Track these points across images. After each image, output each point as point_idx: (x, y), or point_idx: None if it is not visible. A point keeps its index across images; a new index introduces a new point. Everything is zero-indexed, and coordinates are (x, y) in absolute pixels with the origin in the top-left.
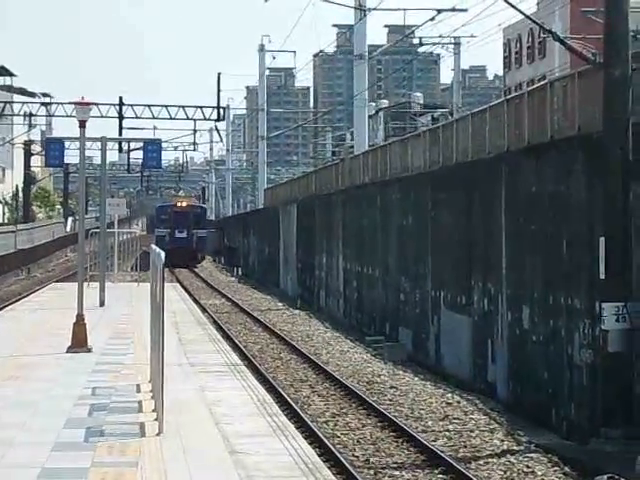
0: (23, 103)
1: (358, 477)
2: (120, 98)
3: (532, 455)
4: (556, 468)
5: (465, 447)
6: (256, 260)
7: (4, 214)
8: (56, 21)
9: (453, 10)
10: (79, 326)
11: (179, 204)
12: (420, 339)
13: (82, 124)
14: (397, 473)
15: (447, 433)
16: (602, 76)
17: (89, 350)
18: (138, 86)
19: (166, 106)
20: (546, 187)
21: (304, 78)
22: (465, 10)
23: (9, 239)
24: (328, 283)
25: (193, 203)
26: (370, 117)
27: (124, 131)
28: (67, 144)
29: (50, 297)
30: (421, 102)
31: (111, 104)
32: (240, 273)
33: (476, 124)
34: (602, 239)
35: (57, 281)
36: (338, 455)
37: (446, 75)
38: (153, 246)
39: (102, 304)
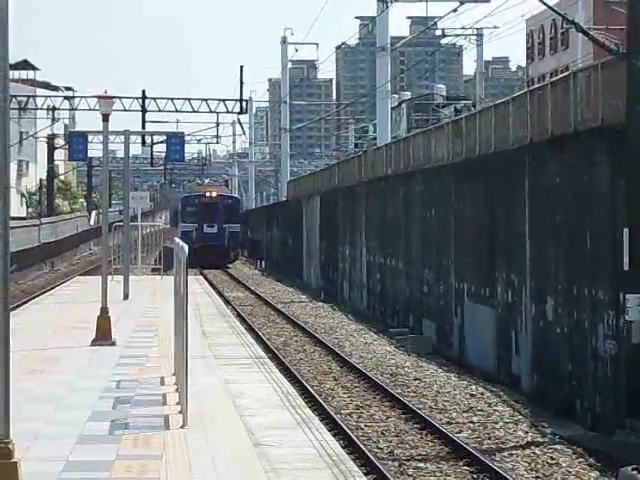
0: (46, 97)
1: (382, 469)
2: (143, 92)
3: (556, 447)
4: (581, 459)
5: (489, 439)
6: (279, 253)
7: (28, 207)
8: (79, 14)
9: (476, 1)
10: (103, 319)
11: (208, 194)
12: (444, 331)
13: (105, 118)
14: (421, 465)
15: (471, 425)
16: (625, 67)
17: (113, 343)
18: (161, 80)
19: (189, 99)
20: (569, 178)
21: (326, 70)
22: (488, 1)
23: (33, 233)
24: (351, 275)
25: (224, 193)
26: (393, 109)
27: (147, 124)
28: (90, 138)
29: (74, 290)
30: (444, 94)
31: (134, 97)
32: (263, 266)
33: (499, 115)
34: (626, 230)
35: (81, 274)
36: (362, 447)
37: (469, 66)
38: (176, 239)
39: (126, 297)
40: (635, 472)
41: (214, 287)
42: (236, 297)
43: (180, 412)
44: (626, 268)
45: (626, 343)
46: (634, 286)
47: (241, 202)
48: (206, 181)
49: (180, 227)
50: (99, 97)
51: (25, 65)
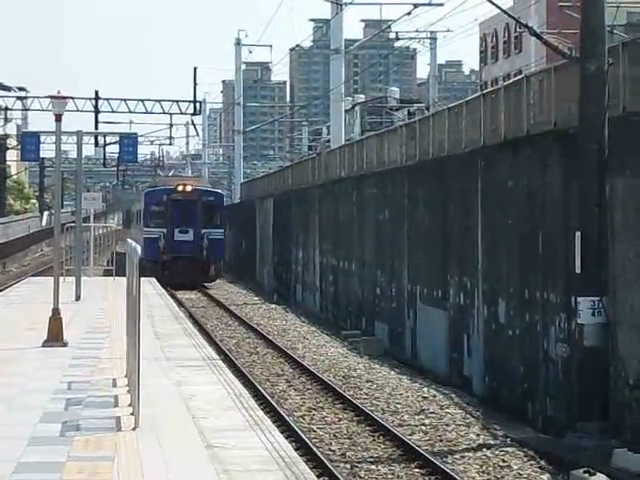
0: None
1: (334, 471)
2: (96, 92)
3: (508, 449)
4: (532, 462)
5: (441, 441)
6: (233, 254)
7: None
8: (32, 14)
9: (429, 4)
10: (55, 320)
11: (181, 188)
12: (396, 333)
13: (58, 118)
14: (373, 467)
15: (423, 427)
16: (578, 71)
17: (65, 344)
18: (114, 80)
19: (142, 100)
20: (522, 182)
21: (280, 72)
22: (441, 4)
23: None
24: (304, 277)
25: (202, 186)
26: (346, 111)
27: (100, 125)
28: (43, 138)
29: (26, 291)
30: (397, 97)
31: (87, 98)
32: None
33: (452, 119)
34: (578, 234)
35: (33, 275)
36: (314, 449)
37: (422, 70)
38: (129, 240)
39: (78, 298)
40: (586, 474)
41: (166, 289)
42: (189, 299)
43: (132, 414)
44: (578, 271)
45: (578, 346)
46: (586, 289)
47: (224, 200)
48: (170, 174)
49: (143, 232)
50: (52, 97)
51: None
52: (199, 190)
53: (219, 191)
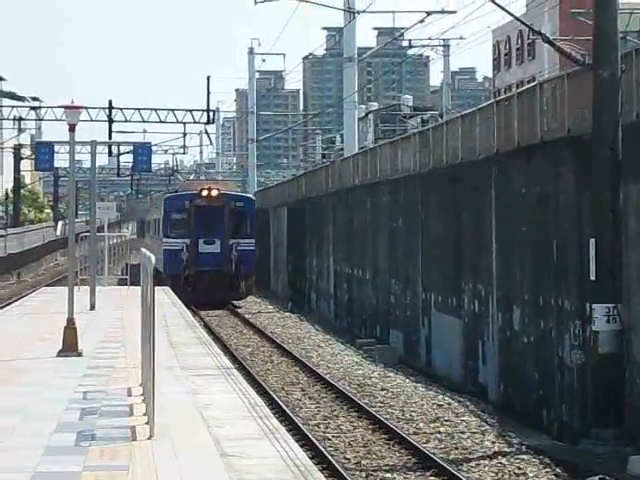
0: (12, 107)
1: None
2: (110, 102)
3: (523, 456)
4: (547, 469)
5: (456, 449)
6: None
7: None
8: (45, 24)
9: (442, 12)
10: (70, 330)
11: (206, 193)
12: (411, 341)
13: (72, 128)
14: (389, 475)
15: (438, 435)
16: (591, 77)
17: (80, 354)
18: (128, 90)
19: (156, 109)
20: (536, 188)
21: (294, 81)
22: (454, 12)
23: None
24: (319, 285)
25: (230, 191)
26: (360, 120)
27: (114, 135)
28: (57, 148)
29: (40, 301)
30: (411, 104)
31: (101, 108)
32: None
33: (466, 126)
34: (592, 240)
35: (47, 285)
36: (330, 458)
37: (435, 77)
38: (143, 249)
39: (93, 308)
40: None
41: (189, 307)
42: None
43: (147, 423)
44: (592, 278)
45: (592, 353)
46: (600, 296)
47: (254, 205)
48: (192, 177)
49: (162, 244)
50: (66, 107)
51: None
52: (226, 195)
53: (249, 196)
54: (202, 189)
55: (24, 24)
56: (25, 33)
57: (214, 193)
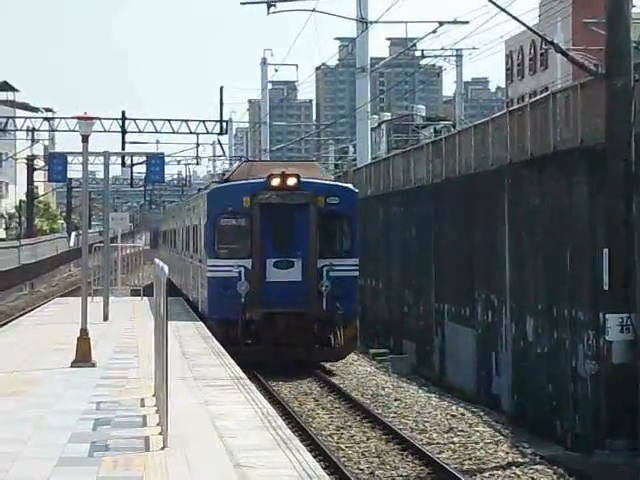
0: (26, 118)
1: None
2: (123, 112)
3: (537, 467)
4: None
5: (470, 459)
6: None
7: (7, 229)
8: (60, 36)
9: (455, 22)
10: (83, 341)
11: (278, 182)
12: (424, 352)
13: (85, 139)
14: None
15: (452, 445)
16: (604, 87)
17: (93, 365)
18: (141, 100)
19: (169, 120)
20: (549, 199)
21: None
22: (467, 22)
23: (12, 254)
24: None
25: (318, 178)
26: (373, 130)
27: (127, 145)
28: (70, 159)
29: (54, 312)
30: (423, 114)
31: (114, 119)
32: None
33: (479, 136)
34: (606, 250)
35: (61, 296)
36: (343, 468)
37: (448, 87)
38: (157, 260)
39: (106, 318)
40: None
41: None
42: None
43: (160, 433)
44: (606, 288)
45: (606, 363)
46: (614, 306)
47: (357, 202)
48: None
49: (206, 269)
50: (79, 118)
51: (5, 86)
52: (312, 185)
53: (349, 186)
54: (272, 175)
55: (40, 37)
56: (41, 46)
57: (292, 181)
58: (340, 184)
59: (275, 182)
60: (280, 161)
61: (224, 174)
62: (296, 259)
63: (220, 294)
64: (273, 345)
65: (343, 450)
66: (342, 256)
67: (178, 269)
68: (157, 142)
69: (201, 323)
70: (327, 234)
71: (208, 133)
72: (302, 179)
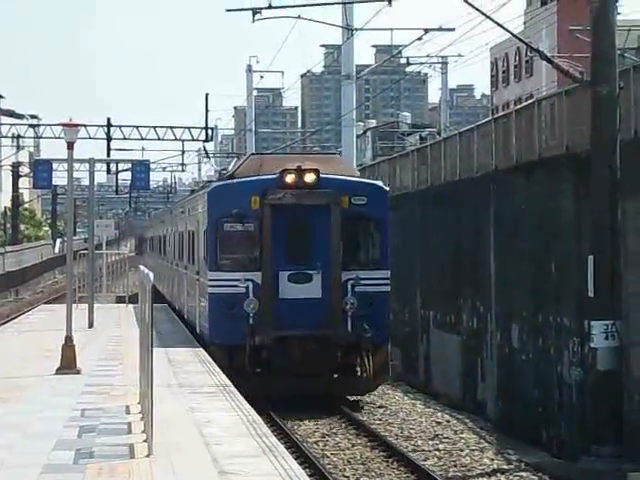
0: (11, 125)
1: None
2: (108, 119)
3: (522, 474)
4: None
5: (455, 466)
6: None
7: None
8: (44, 42)
9: (440, 29)
10: (68, 348)
11: (292, 178)
12: (409, 358)
13: (70, 146)
14: None
15: (437, 452)
16: (589, 94)
17: (78, 372)
18: (126, 107)
19: (154, 127)
20: (534, 206)
21: (292, 98)
22: (452, 29)
23: None
24: None
25: (341, 175)
26: (358, 137)
27: (112, 152)
28: (55, 165)
29: (39, 319)
30: (409, 122)
31: (99, 125)
32: None
33: (464, 143)
34: (591, 257)
35: (46, 303)
36: (328, 476)
37: (434, 94)
38: (142, 267)
39: (91, 325)
40: None
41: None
42: None
43: (145, 441)
44: (591, 295)
45: (591, 370)
46: (599, 313)
47: (388, 201)
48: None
49: (207, 284)
50: (64, 125)
51: None
52: (333, 181)
53: (378, 183)
54: (285, 171)
55: (24, 43)
56: (25, 52)
57: (310, 178)
58: (368, 181)
59: (289, 179)
60: (295, 154)
61: (231, 174)
62: (315, 272)
63: (224, 314)
64: (287, 375)
65: (328, 457)
66: (370, 268)
67: (168, 280)
68: (142, 149)
69: (189, 333)
70: (352, 241)
71: (194, 140)
72: (322, 175)
